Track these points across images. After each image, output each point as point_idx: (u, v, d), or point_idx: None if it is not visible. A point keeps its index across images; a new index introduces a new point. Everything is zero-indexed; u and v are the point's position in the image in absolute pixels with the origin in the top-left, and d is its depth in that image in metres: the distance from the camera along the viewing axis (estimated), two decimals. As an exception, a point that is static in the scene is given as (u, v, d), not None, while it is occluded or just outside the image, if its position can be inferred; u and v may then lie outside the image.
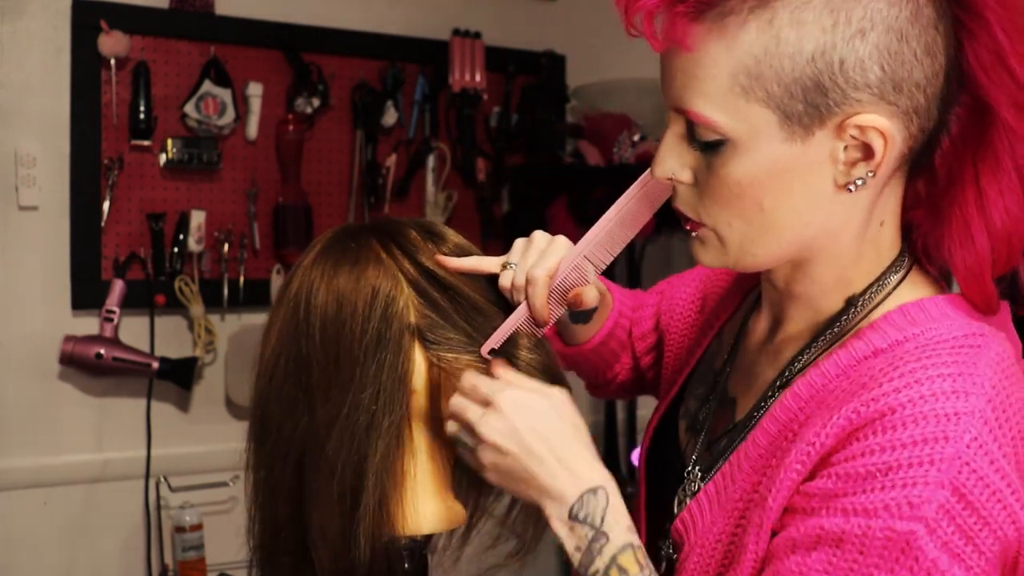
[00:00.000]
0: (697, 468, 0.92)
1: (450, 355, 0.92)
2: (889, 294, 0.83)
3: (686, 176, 0.82)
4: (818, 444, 0.76)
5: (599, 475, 0.81)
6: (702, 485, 0.88)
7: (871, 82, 0.74)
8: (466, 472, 1.05)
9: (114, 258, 2.22)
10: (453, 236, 0.98)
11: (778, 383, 0.86)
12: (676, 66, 0.78)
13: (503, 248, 2.85)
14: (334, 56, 2.43)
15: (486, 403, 0.83)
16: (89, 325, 2.19)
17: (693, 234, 0.85)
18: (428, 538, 0.95)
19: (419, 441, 0.94)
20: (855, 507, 0.72)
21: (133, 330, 2.23)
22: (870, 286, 0.84)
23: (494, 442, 0.81)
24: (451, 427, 0.87)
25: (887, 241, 0.84)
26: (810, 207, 0.79)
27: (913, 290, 0.84)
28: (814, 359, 0.84)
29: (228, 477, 2.24)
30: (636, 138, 2.47)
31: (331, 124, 2.45)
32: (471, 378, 0.86)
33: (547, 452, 0.80)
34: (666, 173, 0.83)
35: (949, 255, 0.83)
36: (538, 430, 0.81)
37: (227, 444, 2.27)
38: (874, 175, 0.78)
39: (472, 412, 0.83)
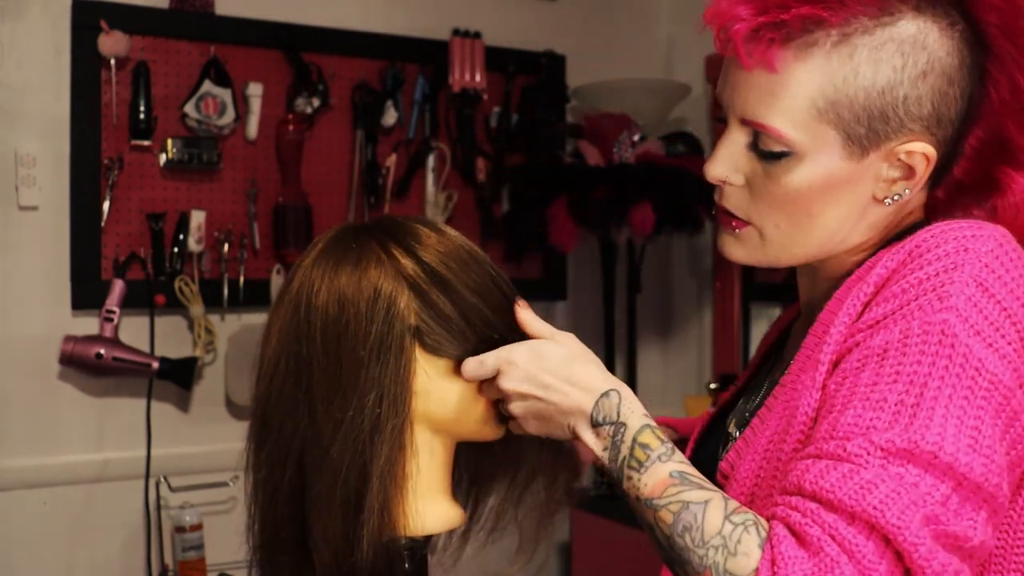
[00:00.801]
0: (733, 423, 1.00)
1: (450, 355, 0.92)
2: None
3: (739, 180, 0.92)
4: (861, 295, 0.86)
5: (609, 381, 0.89)
6: (742, 431, 0.95)
7: (923, 116, 0.87)
8: (465, 474, 1.05)
9: (114, 258, 2.22)
10: (455, 236, 0.98)
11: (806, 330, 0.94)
12: (755, 83, 0.88)
13: (503, 248, 2.84)
14: (334, 56, 2.43)
15: (503, 361, 0.91)
16: (89, 325, 2.19)
17: (734, 232, 0.94)
18: (428, 538, 0.96)
19: (419, 442, 0.94)
20: (895, 319, 0.80)
21: (133, 330, 2.23)
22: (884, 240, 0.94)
23: (516, 390, 0.90)
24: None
25: (910, 219, 0.94)
26: (850, 213, 0.90)
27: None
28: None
29: (228, 477, 2.24)
30: (636, 138, 2.46)
31: (331, 124, 2.45)
32: (485, 357, 0.92)
33: (559, 381, 0.89)
34: (720, 176, 0.92)
35: (992, 210, 0.93)
36: (547, 367, 0.90)
37: (227, 444, 2.28)
38: (910, 192, 0.90)
39: (498, 378, 0.91)
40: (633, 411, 0.87)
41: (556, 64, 2.70)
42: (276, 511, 0.94)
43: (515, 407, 0.91)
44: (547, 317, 2.87)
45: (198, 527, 2.23)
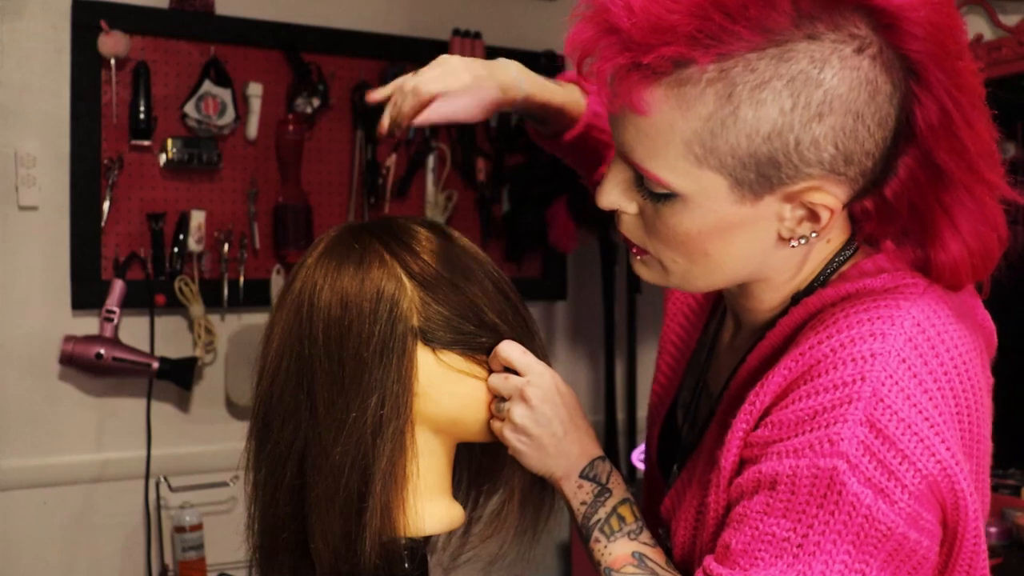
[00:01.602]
0: (675, 466, 0.99)
1: (451, 355, 0.92)
2: (833, 271, 0.86)
3: (631, 208, 0.85)
4: (758, 403, 0.82)
5: (600, 450, 0.95)
6: (682, 470, 0.96)
7: (824, 160, 0.76)
8: (465, 474, 1.05)
9: (114, 258, 2.22)
10: (457, 237, 0.98)
11: (736, 365, 0.92)
12: (629, 123, 0.79)
13: (503, 248, 2.83)
14: (334, 56, 2.43)
15: (519, 392, 0.92)
16: (89, 325, 2.19)
17: (637, 257, 0.89)
18: (428, 538, 0.96)
19: (420, 443, 0.94)
20: (786, 450, 0.77)
21: (133, 330, 2.23)
22: (815, 279, 0.87)
23: (523, 425, 0.92)
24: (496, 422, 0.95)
25: (835, 246, 0.87)
26: (753, 255, 0.83)
27: (855, 258, 0.87)
28: (759, 339, 0.89)
29: (228, 477, 2.24)
30: (636, 138, 2.47)
31: (331, 124, 2.45)
32: (496, 376, 0.94)
33: (563, 431, 0.92)
34: (612, 205, 0.86)
35: (925, 260, 0.84)
36: (559, 414, 0.92)
37: (227, 444, 2.28)
38: (817, 235, 0.81)
39: (505, 404, 0.93)
40: (619, 483, 0.93)
41: (556, 64, 2.70)
42: (277, 511, 0.94)
43: (511, 436, 0.93)
44: (547, 317, 2.87)
45: (198, 527, 2.23)
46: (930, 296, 0.82)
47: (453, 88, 1.05)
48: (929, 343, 0.78)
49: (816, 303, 0.84)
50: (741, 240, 0.81)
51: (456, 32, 2.53)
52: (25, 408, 2.17)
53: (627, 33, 0.74)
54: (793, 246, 0.82)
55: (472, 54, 2.53)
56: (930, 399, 0.76)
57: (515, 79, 1.10)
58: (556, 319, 2.80)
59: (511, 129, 2.63)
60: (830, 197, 0.78)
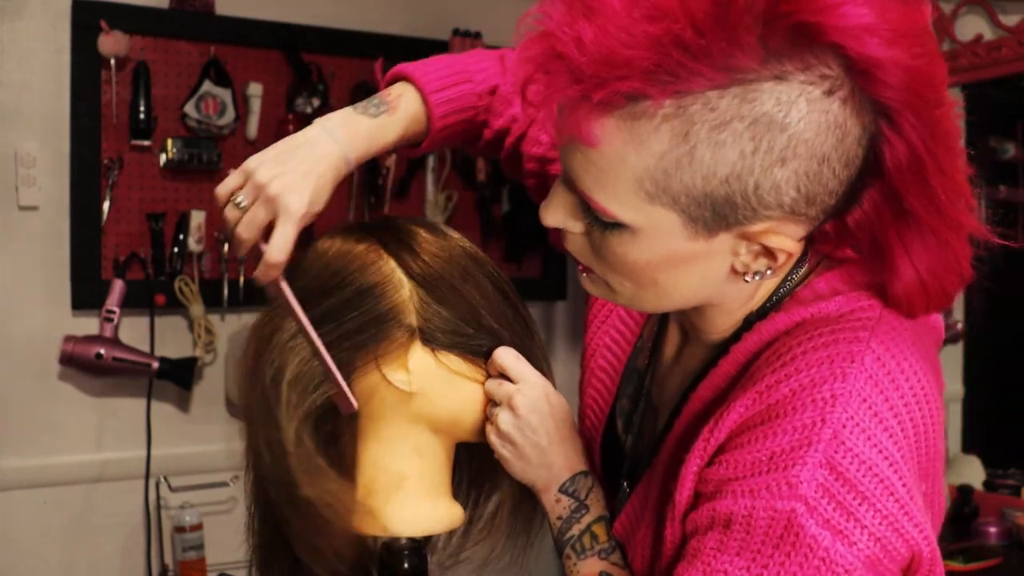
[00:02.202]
0: (625, 484, 0.97)
1: (450, 357, 0.92)
2: (788, 293, 0.83)
3: (577, 228, 0.81)
4: (713, 437, 0.79)
5: (586, 464, 0.94)
6: (630, 496, 0.94)
7: (784, 203, 0.73)
8: (465, 474, 1.05)
9: (114, 258, 2.22)
10: (456, 237, 0.98)
11: (685, 390, 0.90)
12: (578, 150, 0.74)
13: (503, 248, 2.83)
14: (334, 56, 2.43)
15: (508, 399, 0.92)
16: (89, 325, 2.19)
17: (584, 275, 0.85)
18: (428, 538, 0.96)
19: (420, 443, 0.94)
20: (743, 489, 0.74)
21: (133, 330, 2.23)
22: (769, 299, 0.84)
23: (507, 432, 0.92)
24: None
25: (787, 270, 0.83)
26: (704, 286, 0.80)
27: (814, 277, 0.84)
28: (711, 364, 0.86)
29: (228, 477, 2.23)
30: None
31: (331, 124, 2.45)
32: (491, 381, 0.94)
33: (548, 442, 0.92)
34: (556, 224, 0.81)
35: (881, 285, 0.82)
36: (546, 425, 0.92)
37: (227, 444, 2.28)
38: (772, 272, 0.79)
39: (496, 410, 0.94)
40: (599, 500, 0.92)
41: (556, 64, 2.70)
42: (274, 509, 0.94)
43: (495, 442, 0.94)
44: (547, 317, 2.87)
45: (198, 527, 2.23)
46: (887, 322, 0.79)
47: (317, 209, 0.94)
48: (889, 377, 0.76)
49: (770, 330, 0.82)
50: (693, 273, 0.78)
51: (456, 32, 2.53)
52: (25, 408, 2.17)
53: (577, 65, 0.69)
54: (747, 281, 0.79)
55: (472, 54, 2.52)
56: (890, 436, 0.75)
57: (343, 160, 0.96)
58: (556, 319, 2.80)
59: (511, 129, 2.63)
60: (788, 240, 0.75)
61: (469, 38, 2.54)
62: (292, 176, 0.91)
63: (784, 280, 0.83)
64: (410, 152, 1.07)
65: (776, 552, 0.73)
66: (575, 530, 0.90)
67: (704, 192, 0.71)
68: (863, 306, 0.80)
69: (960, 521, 2.15)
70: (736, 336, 0.85)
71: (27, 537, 2.16)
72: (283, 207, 0.90)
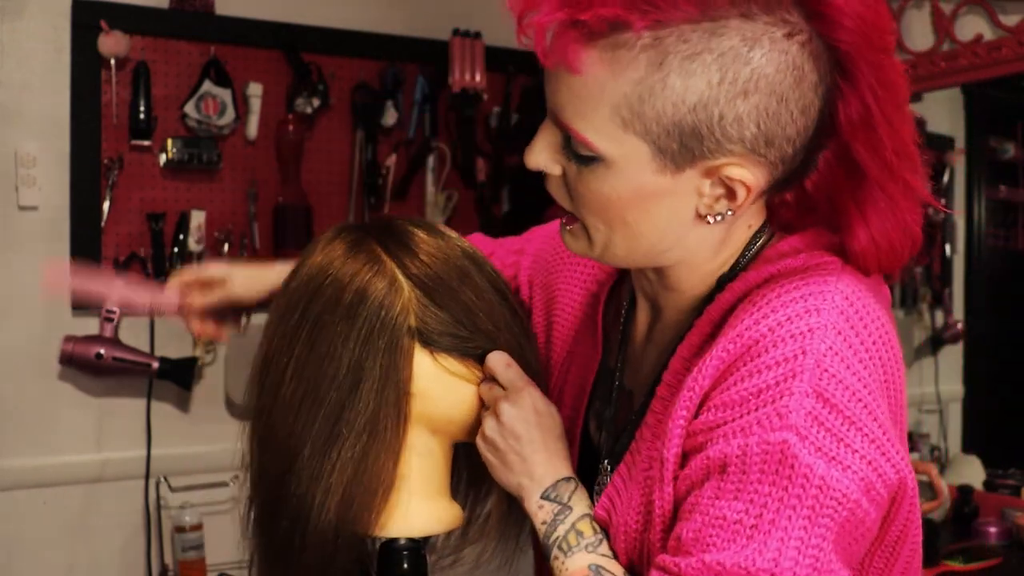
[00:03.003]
0: (606, 461, 0.97)
1: (447, 359, 0.92)
2: (753, 256, 0.88)
3: (556, 171, 0.86)
4: (697, 388, 0.81)
5: (570, 470, 0.94)
6: (612, 474, 0.94)
7: (745, 138, 0.77)
8: (464, 474, 1.05)
9: (114, 258, 2.22)
10: (455, 238, 0.98)
11: (664, 360, 0.91)
12: (562, 81, 0.80)
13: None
14: (334, 56, 2.43)
15: (494, 405, 0.94)
16: (89, 325, 2.19)
17: (567, 227, 0.89)
18: (427, 538, 0.96)
19: (418, 443, 0.94)
20: (733, 431, 0.76)
21: (133, 330, 2.23)
22: (736, 262, 0.88)
23: (492, 439, 0.93)
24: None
25: (743, 238, 0.88)
26: (671, 228, 0.84)
27: (776, 240, 0.88)
28: (689, 328, 0.89)
29: (228, 477, 2.24)
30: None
31: (331, 124, 2.45)
32: (484, 384, 0.95)
33: (532, 450, 0.93)
34: (538, 166, 0.86)
35: (840, 244, 0.86)
36: (531, 434, 0.93)
37: (227, 444, 2.27)
38: (733, 213, 0.83)
39: (484, 414, 0.95)
40: (582, 500, 0.91)
41: (556, 64, 2.70)
42: (272, 508, 0.94)
43: (480, 445, 0.94)
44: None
45: (198, 527, 2.23)
46: (849, 272, 0.84)
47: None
48: (858, 316, 0.80)
49: (741, 287, 0.85)
50: (659, 212, 0.82)
51: (456, 32, 2.53)
52: (25, 408, 2.17)
53: None
54: (710, 222, 0.83)
55: (472, 54, 2.53)
56: (864, 367, 0.78)
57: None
58: (556, 319, 2.79)
59: (511, 129, 2.63)
60: (748, 175, 0.79)
61: (469, 38, 2.54)
62: None
63: (749, 244, 0.88)
64: None
65: (773, 487, 0.73)
66: (560, 530, 0.90)
67: (673, 120, 0.77)
68: (826, 260, 0.84)
69: (960, 521, 2.15)
70: (708, 298, 0.88)
71: (27, 537, 2.16)
72: None
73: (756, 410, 0.76)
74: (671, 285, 0.91)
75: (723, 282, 0.88)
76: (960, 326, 2.51)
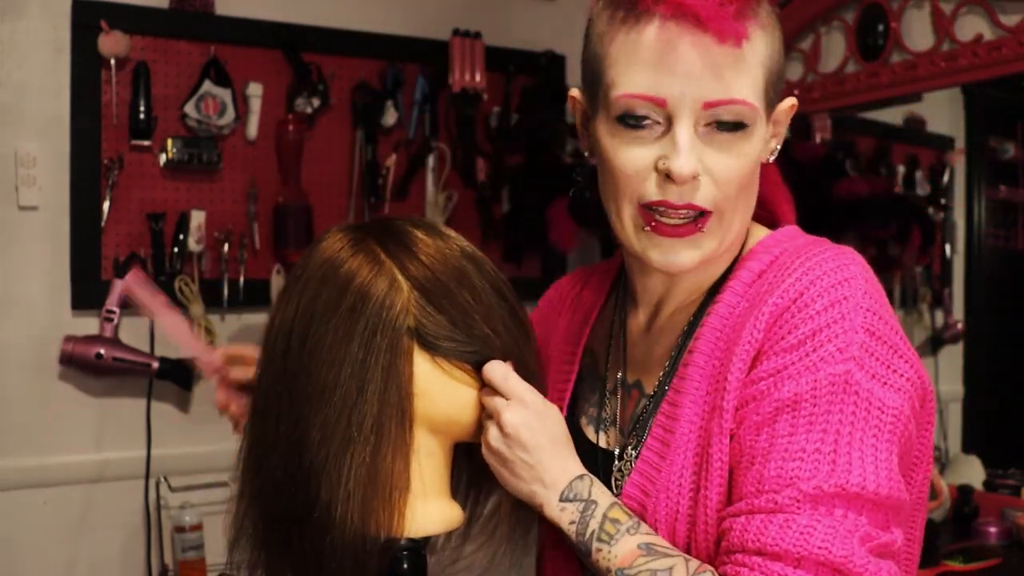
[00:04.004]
0: (630, 448, 0.99)
1: (449, 358, 0.92)
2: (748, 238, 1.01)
3: (699, 169, 0.91)
4: (753, 340, 0.90)
5: (581, 468, 0.95)
6: (637, 456, 0.96)
7: (783, 77, 0.96)
8: (464, 474, 1.05)
9: (114, 258, 2.22)
10: (456, 238, 0.98)
11: (683, 338, 0.98)
12: (723, 62, 0.88)
13: (503, 248, 2.83)
14: (334, 56, 2.43)
15: (497, 416, 0.94)
16: (89, 325, 2.19)
17: (700, 231, 0.92)
18: (427, 539, 0.95)
19: (418, 443, 0.94)
20: (799, 370, 0.86)
21: (133, 330, 2.23)
22: (745, 242, 1.01)
23: (496, 448, 0.94)
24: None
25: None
26: (756, 185, 0.97)
27: (757, 230, 1.02)
28: (708, 301, 0.99)
29: (228, 477, 2.23)
30: (636, 138, 2.46)
31: (331, 124, 2.45)
32: (484, 393, 0.95)
33: (538, 457, 0.93)
34: (696, 171, 0.90)
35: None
36: (536, 441, 0.93)
37: (227, 444, 2.27)
38: (775, 143, 0.98)
39: (487, 424, 0.96)
40: (603, 492, 0.93)
41: (556, 64, 2.70)
42: (270, 507, 0.94)
43: (486, 455, 0.95)
44: (547, 317, 2.83)
45: (198, 527, 2.23)
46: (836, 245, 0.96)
47: None
48: (867, 270, 0.92)
49: (759, 264, 0.96)
50: (757, 168, 0.95)
51: (456, 32, 2.53)
52: (25, 408, 2.17)
53: None
54: (767, 160, 0.97)
55: (472, 54, 2.53)
56: (887, 307, 0.91)
57: None
58: (556, 319, 2.79)
59: (511, 129, 2.63)
60: (794, 99, 0.98)
61: (469, 38, 2.54)
62: None
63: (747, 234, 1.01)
64: None
65: (842, 414, 0.84)
66: (593, 525, 0.90)
67: (779, 71, 0.94)
68: (819, 240, 0.97)
69: (960, 521, 2.15)
70: (719, 279, 0.99)
71: (27, 537, 2.16)
72: None
73: (815, 350, 0.86)
74: (691, 275, 0.99)
75: (734, 264, 0.99)
76: (960, 326, 2.51)
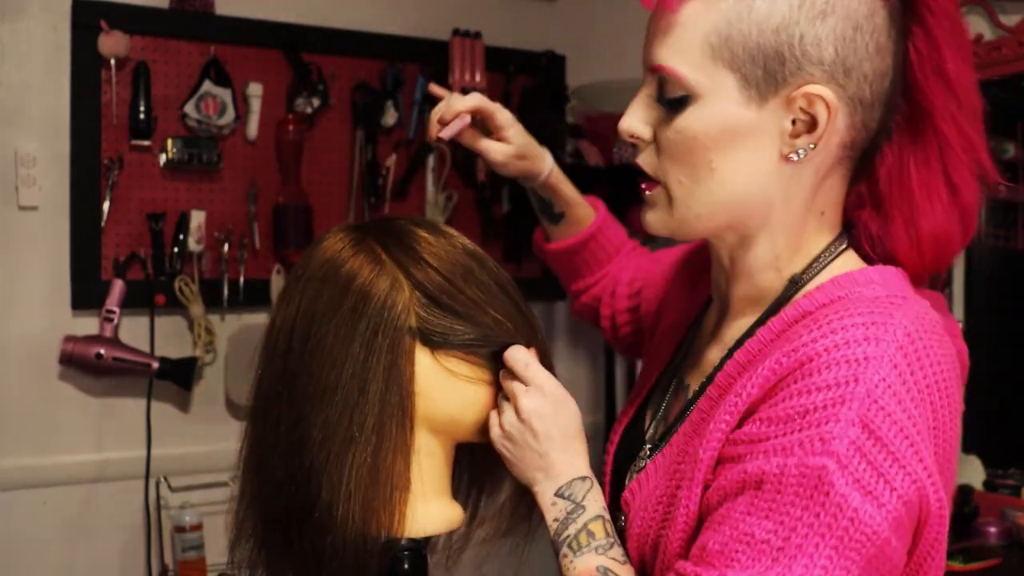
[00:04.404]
0: (647, 447, 0.98)
1: (449, 358, 0.92)
2: (824, 267, 0.89)
3: (647, 133, 0.88)
4: (744, 395, 0.81)
5: (588, 470, 0.94)
6: (649, 460, 0.96)
7: (824, 60, 0.81)
8: (465, 473, 1.05)
9: (114, 258, 2.22)
10: (457, 237, 0.98)
11: (726, 357, 0.92)
12: (659, 27, 0.85)
13: (503, 248, 2.83)
14: (334, 56, 2.43)
15: (515, 399, 0.94)
16: (89, 325, 2.19)
17: (646, 193, 0.91)
18: (428, 539, 0.95)
19: (420, 443, 0.94)
20: (774, 448, 0.76)
21: (133, 330, 2.23)
22: (810, 265, 0.89)
23: (510, 433, 0.94)
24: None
25: (826, 228, 0.90)
26: (755, 172, 0.85)
27: (846, 263, 0.89)
28: (753, 331, 0.90)
29: (228, 477, 2.23)
30: (636, 138, 2.47)
31: (331, 124, 2.45)
32: (504, 376, 0.95)
33: (548, 447, 0.93)
34: (629, 128, 0.89)
35: (895, 254, 0.89)
36: (549, 431, 0.93)
37: (227, 444, 2.27)
38: (815, 147, 0.84)
39: (502, 405, 0.96)
40: (596, 500, 0.92)
41: (556, 64, 2.70)
42: (270, 507, 0.94)
43: (497, 438, 0.95)
44: (547, 317, 2.87)
45: (198, 527, 2.23)
46: (919, 308, 0.83)
47: (501, 122, 1.19)
48: (916, 355, 0.78)
49: (807, 304, 0.86)
50: (744, 152, 0.84)
51: (456, 32, 2.53)
52: (25, 408, 2.17)
53: None
54: (792, 160, 0.84)
55: (472, 54, 2.53)
56: (916, 406, 0.77)
57: (549, 160, 1.26)
58: (556, 319, 2.80)
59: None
60: (828, 91, 0.82)
61: (469, 38, 2.54)
62: None
63: (826, 250, 0.90)
64: (551, 246, 1.34)
65: (805, 513, 0.73)
66: (571, 530, 0.90)
67: (758, 44, 0.81)
68: (897, 293, 0.84)
69: (960, 521, 2.15)
70: (776, 300, 0.89)
71: (27, 537, 2.16)
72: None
73: (800, 431, 0.75)
74: (744, 270, 0.91)
75: (795, 282, 0.89)
76: (960, 326, 2.51)
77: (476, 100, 1.16)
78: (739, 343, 0.90)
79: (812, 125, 0.83)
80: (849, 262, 0.89)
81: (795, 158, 0.84)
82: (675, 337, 1.08)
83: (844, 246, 0.90)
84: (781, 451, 0.76)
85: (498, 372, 0.95)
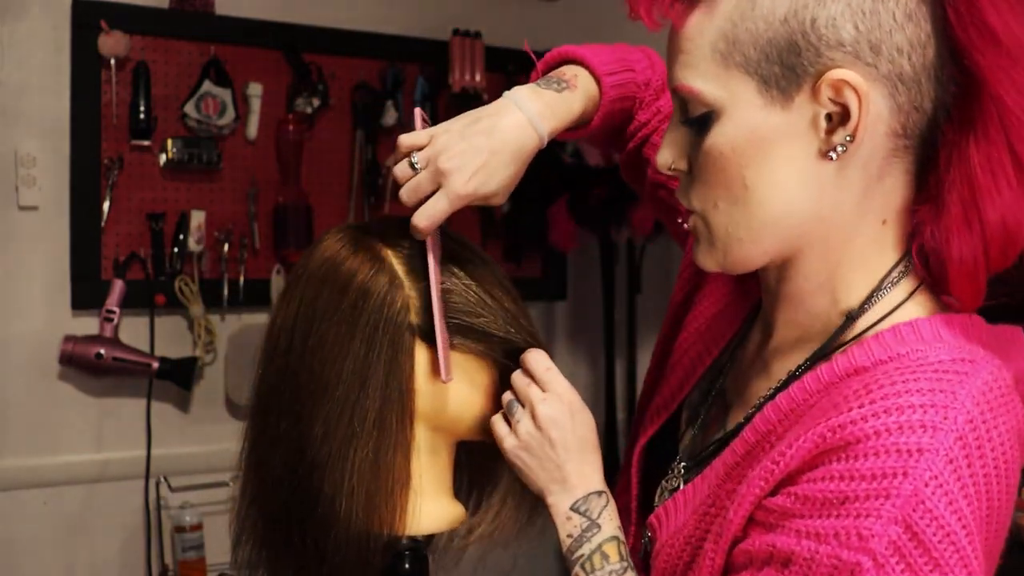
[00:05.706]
0: (682, 465, 0.93)
1: (452, 353, 0.92)
2: (888, 314, 0.80)
3: (683, 165, 0.82)
4: (783, 463, 0.75)
5: (603, 484, 0.91)
6: (682, 485, 0.91)
7: (844, 40, 0.73)
8: (466, 472, 1.05)
9: (114, 258, 2.22)
10: (457, 236, 0.99)
11: (765, 396, 0.85)
12: (672, 48, 0.80)
13: (503, 248, 2.83)
14: (334, 56, 2.43)
15: (532, 407, 0.92)
16: (89, 325, 2.19)
17: (684, 225, 0.85)
18: (429, 538, 0.95)
19: (420, 440, 0.94)
20: (808, 530, 0.71)
21: (133, 330, 2.23)
22: (868, 298, 0.80)
23: (527, 443, 0.92)
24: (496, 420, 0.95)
25: (890, 244, 0.80)
26: (793, 181, 0.77)
27: (911, 308, 0.80)
28: (801, 374, 0.82)
29: (228, 477, 2.23)
30: (636, 138, 2.47)
31: (331, 124, 2.45)
32: (521, 379, 0.93)
33: (566, 458, 0.91)
34: (665, 163, 0.83)
35: (946, 247, 0.78)
36: (566, 441, 0.91)
37: (227, 444, 2.27)
38: (852, 139, 0.74)
39: (517, 411, 0.93)
40: (612, 519, 0.90)
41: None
42: (269, 508, 0.94)
43: (511, 447, 0.92)
44: (547, 317, 2.87)
45: (198, 527, 2.23)
46: (987, 375, 0.74)
47: (486, 191, 0.93)
48: (977, 443, 0.71)
49: (863, 359, 0.77)
50: (778, 161, 0.76)
51: (456, 32, 2.53)
52: (25, 408, 2.17)
53: None
54: (831, 157, 0.75)
55: (472, 54, 2.53)
56: (969, 504, 0.70)
57: (533, 130, 0.95)
58: (556, 319, 2.80)
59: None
60: (853, 74, 0.72)
61: (469, 38, 2.54)
62: (468, 154, 0.91)
63: (885, 277, 0.80)
64: (574, 134, 1.07)
65: None
66: (585, 549, 0.88)
67: (768, 38, 0.74)
68: (965, 357, 0.75)
69: (960, 521, 2.15)
70: (827, 337, 0.81)
71: (27, 537, 2.16)
72: (447, 185, 0.91)
73: (836, 518, 0.70)
74: (793, 293, 0.83)
75: (851, 317, 0.80)
76: None
77: (437, 213, 0.92)
78: (784, 384, 0.83)
79: (846, 115, 0.74)
80: (916, 305, 0.80)
81: (834, 156, 0.75)
82: (715, 337, 0.99)
83: (908, 277, 0.80)
84: (814, 536, 0.71)
85: (500, 371, 0.95)
